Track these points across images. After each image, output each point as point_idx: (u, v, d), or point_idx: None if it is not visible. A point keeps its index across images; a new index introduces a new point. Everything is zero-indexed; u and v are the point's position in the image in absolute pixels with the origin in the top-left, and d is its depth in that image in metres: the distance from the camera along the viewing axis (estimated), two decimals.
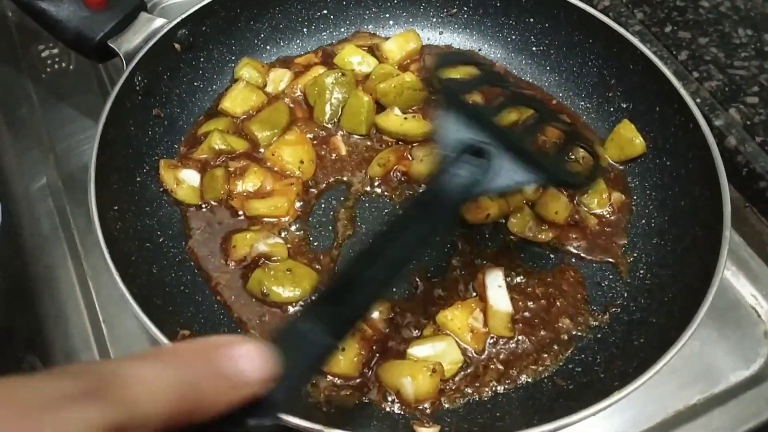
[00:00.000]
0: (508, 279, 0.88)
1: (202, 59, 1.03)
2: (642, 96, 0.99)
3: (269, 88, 1.05)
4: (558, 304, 0.87)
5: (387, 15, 1.14)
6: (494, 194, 0.88)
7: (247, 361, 0.41)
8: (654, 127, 0.97)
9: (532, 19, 1.09)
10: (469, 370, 0.81)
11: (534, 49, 1.10)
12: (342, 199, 0.96)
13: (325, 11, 1.12)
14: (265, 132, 0.98)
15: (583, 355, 0.83)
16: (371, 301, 0.59)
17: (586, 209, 0.95)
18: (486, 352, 0.83)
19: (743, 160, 1.01)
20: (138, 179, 0.92)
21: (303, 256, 0.90)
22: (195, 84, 1.03)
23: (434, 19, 1.14)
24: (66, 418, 0.33)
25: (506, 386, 0.80)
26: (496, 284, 0.86)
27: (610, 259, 0.91)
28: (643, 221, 0.94)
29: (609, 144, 0.99)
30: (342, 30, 1.14)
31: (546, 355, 0.83)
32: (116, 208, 0.85)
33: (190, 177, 0.94)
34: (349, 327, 0.56)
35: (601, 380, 0.78)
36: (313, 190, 0.96)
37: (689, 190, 0.90)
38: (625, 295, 0.88)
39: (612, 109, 1.03)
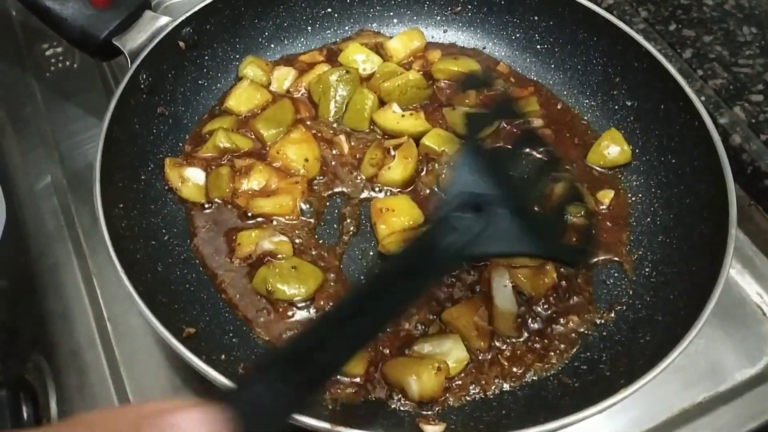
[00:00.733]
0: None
1: (206, 57, 1.03)
2: (647, 94, 0.99)
3: (273, 87, 1.05)
4: (564, 302, 0.87)
5: (391, 13, 1.14)
6: (486, 258, 0.85)
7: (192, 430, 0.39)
8: (659, 125, 0.97)
9: (536, 17, 1.09)
10: (474, 368, 0.81)
11: (538, 47, 1.10)
12: (347, 197, 0.96)
13: (329, 9, 1.12)
14: (270, 130, 0.98)
15: (588, 353, 0.83)
16: (342, 363, 0.55)
17: (581, 215, 0.94)
18: (491, 350, 0.83)
19: (748, 158, 1.01)
20: (143, 177, 0.92)
21: (308, 254, 0.90)
22: (199, 82, 1.03)
23: (438, 17, 1.14)
24: None
25: (512, 384, 0.80)
26: (501, 284, 0.86)
27: (616, 258, 0.91)
28: (649, 219, 0.94)
29: (595, 149, 0.99)
30: (346, 28, 1.14)
31: (552, 353, 0.83)
32: (121, 206, 0.85)
33: (195, 175, 0.94)
34: (314, 391, 0.53)
35: (606, 378, 0.78)
36: (318, 188, 0.96)
37: (695, 188, 0.90)
38: (631, 293, 0.88)
39: (617, 107, 1.03)
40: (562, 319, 0.85)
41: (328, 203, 0.95)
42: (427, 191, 0.96)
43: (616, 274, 0.90)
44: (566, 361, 0.82)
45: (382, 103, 1.02)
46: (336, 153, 0.99)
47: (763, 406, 0.85)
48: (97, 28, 0.94)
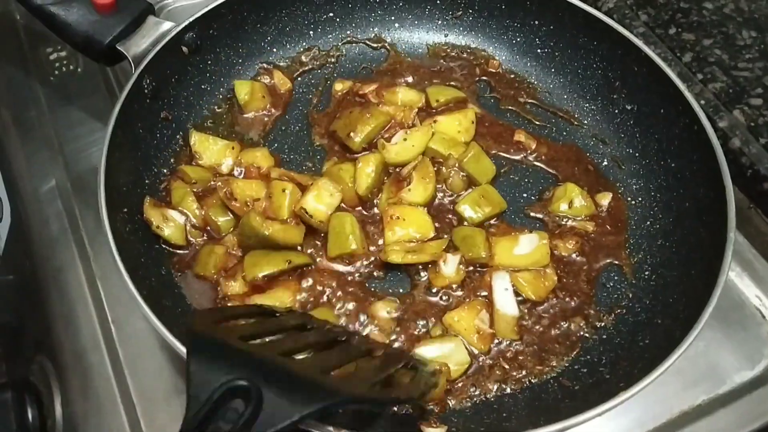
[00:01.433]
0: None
1: (209, 62, 1.04)
2: (646, 98, 0.99)
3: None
4: (564, 305, 0.88)
5: (392, 17, 1.15)
6: None
7: None
8: (658, 129, 0.98)
9: (536, 22, 1.09)
10: (475, 371, 0.82)
11: (539, 51, 1.11)
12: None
13: (331, 14, 1.13)
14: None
15: (588, 356, 0.83)
16: None
17: (581, 219, 0.95)
18: (492, 353, 0.83)
19: (747, 161, 1.01)
20: (147, 181, 0.93)
21: None
22: (202, 86, 1.04)
23: (439, 22, 1.15)
24: None
25: (512, 387, 0.81)
26: (502, 287, 0.87)
27: (615, 261, 0.92)
28: (648, 223, 0.95)
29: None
30: (348, 32, 1.14)
31: (552, 356, 0.83)
32: (125, 210, 0.86)
33: (177, 217, 0.90)
34: None
35: (606, 381, 0.79)
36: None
37: (694, 192, 0.91)
38: (630, 296, 0.89)
39: (616, 111, 1.04)
40: (562, 323, 0.86)
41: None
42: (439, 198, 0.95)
43: (615, 278, 0.91)
44: (566, 364, 0.83)
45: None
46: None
47: (762, 408, 0.86)
48: (101, 34, 0.95)
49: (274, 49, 1.11)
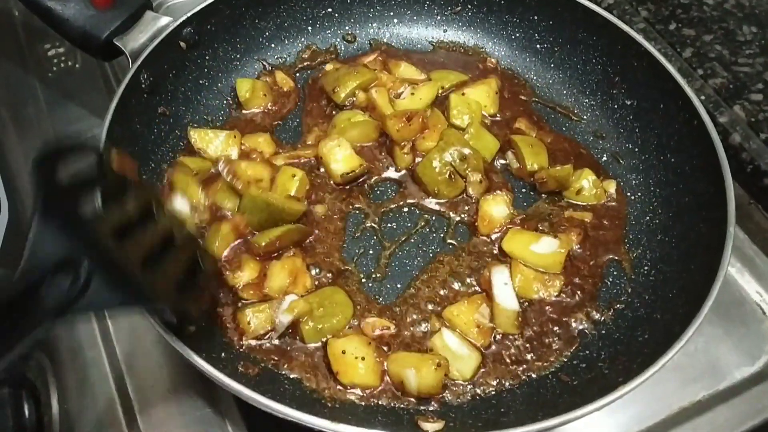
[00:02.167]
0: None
1: (207, 57, 1.04)
2: (646, 93, 0.99)
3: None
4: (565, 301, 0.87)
5: (391, 13, 1.15)
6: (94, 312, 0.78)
7: None
8: (658, 124, 0.97)
9: (536, 17, 1.09)
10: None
11: (538, 46, 1.10)
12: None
13: (329, 9, 1.12)
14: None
15: (587, 351, 0.83)
16: None
17: (581, 208, 0.95)
18: (491, 348, 0.83)
19: (748, 157, 1.01)
20: (144, 176, 0.92)
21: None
22: (200, 82, 1.04)
23: (438, 17, 1.15)
24: None
25: (511, 382, 0.80)
26: (502, 282, 0.86)
27: (615, 256, 0.91)
28: (648, 218, 0.94)
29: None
30: (347, 28, 1.14)
31: (551, 351, 0.83)
32: None
33: (181, 205, 0.90)
34: None
35: (605, 376, 0.78)
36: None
37: (693, 187, 0.90)
38: (630, 291, 0.88)
39: (616, 106, 1.03)
40: (562, 318, 0.85)
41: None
42: None
43: (615, 273, 0.90)
44: (565, 359, 0.82)
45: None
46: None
47: (762, 404, 0.86)
48: (99, 29, 0.94)
49: (272, 45, 1.11)
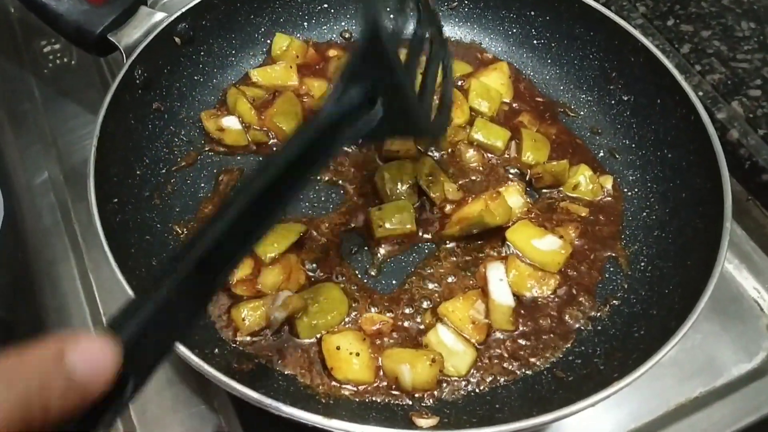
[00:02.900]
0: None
1: (202, 53, 1.03)
2: (643, 89, 0.99)
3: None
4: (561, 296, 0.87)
5: (388, 9, 1.14)
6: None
7: (85, 362, 0.40)
8: (655, 120, 0.97)
9: (533, 12, 1.08)
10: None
11: (535, 42, 1.10)
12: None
13: (325, 5, 1.12)
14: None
15: (583, 347, 0.82)
16: (238, 262, 0.55)
17: (576, 203, 0.95)
18: (486, 344, 0.82)
19: (746, 153, 1.00)
20: (138, 172, 0.92)
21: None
22: (195, 78, 1.03)
23: None
24: None
25: (506, 378, 0.80)
26: (497, 278, 0.86)
27: (611, 252, 0.91)
28: (644, 213, 0.94)
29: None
30: (342, 23, 1.14)
31: (546, 347, 0.82)
32: (116, 200, 0.85)
33: (232, 122, 0.99)
34: (214, 291, 0.55)
35: (600, 372, 0.78)
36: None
37: (690, 183, 0.90)
38: (626, 287, 0.88)
39: (613, 101, 1.03)
40: (558, 314, 0.85)
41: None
42: None
43: (611, 269, 0.90)
44: (560, 355, 0.82)
45: None
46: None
47: (759, 400, 0.85)
48: (93, 24, 0.94)
49: (268, 41, 1.10)
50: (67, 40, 0.99)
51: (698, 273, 0.78)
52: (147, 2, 0.99)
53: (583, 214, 0.93)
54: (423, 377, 0.76)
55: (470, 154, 0.98)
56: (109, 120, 0.86)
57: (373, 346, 0.81)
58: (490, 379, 0.80)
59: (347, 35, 1.14)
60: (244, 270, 0.86)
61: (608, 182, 0.96)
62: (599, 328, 0.84)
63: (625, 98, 1.01)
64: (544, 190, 0.96)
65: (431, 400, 0.78)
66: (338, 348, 0.79)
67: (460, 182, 0.96)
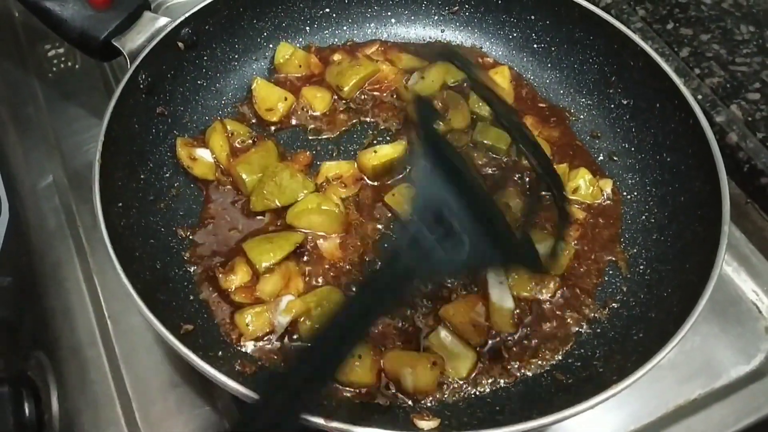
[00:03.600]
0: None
1: (205, 58, 1.04)
2: (642, 92, 0.99)
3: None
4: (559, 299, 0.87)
5: (389, 13, 1.15)
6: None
7: None
8: (654, 124, 0.98)
9: (533, 17, 1.09)
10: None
11: (535, 46, 1.11)
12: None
13: (327, 10, 1.13)
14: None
15: (582, 350, 0.83)
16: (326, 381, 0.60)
17: (579, 200, 0.95)
18: (487, 346, 0.83)
19: (744, 156, 1.01)
20: (142, 176, 0.93)
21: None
22: (198, 82, 1.04)
23: (436, 17, 1.15)
24: None
25: (506, 380, 0.81)
26: (497, 280, 0.87)
27: (610, 256, 0.91)
28: (643, 217, 0.95)
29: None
30: (344, 28, 1.14)
31: (546, 350, 0.83)
32: (120, 204, 0.86)
33: (204, 154, 0.97)
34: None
35: (599, 374, 0.79)
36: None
37: (689, 186, 0.90)
38: (625, 290, 0.89)
39: (612, 105, 1.04)
40: (558, 317, 0.86)
41: None
42: None
43: (610, 272, 0.90)
44: (560, 358, 0.83)
45: None
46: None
47: (757, 402, 0.86)
48: (97, 29, 0.95)
49: (271, 45, 1.11)
50: (72, 45, 0.99)
51: (697, 276, 0.78)
52: (150, 7, 1.00)
53: (583, 217, 0.94)
54: (424, 380, 0.77)
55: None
56: (114, 125, 0.87)
57: (374, 349, 0.81)
58: (491, 381, 0.81)
59: (350, 44, 1.14)
60: (242, 277, 0.86)
61: (608, 186, 0.97)
62: (599, 330, 0.85)
63: (625, 102, 1.02)
64: (544, 193, 0.97)
65: (432, 402, 0.78)
66: None
67: None
